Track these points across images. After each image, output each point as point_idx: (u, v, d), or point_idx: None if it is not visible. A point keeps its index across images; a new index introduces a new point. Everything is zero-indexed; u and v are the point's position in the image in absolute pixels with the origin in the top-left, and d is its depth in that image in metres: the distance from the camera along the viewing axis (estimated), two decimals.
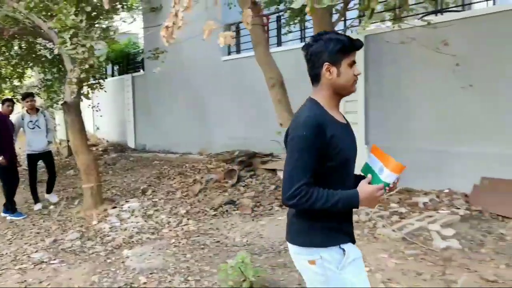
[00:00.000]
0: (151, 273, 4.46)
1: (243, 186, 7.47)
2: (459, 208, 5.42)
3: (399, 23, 5.62)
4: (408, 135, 6.60)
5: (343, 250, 2.02)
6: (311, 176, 1.94)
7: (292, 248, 2.12)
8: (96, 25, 5.37)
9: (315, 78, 2.08)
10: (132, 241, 5.69)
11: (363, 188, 1.99)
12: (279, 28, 8.81)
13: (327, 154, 1.96)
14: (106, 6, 4.12)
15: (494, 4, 6.14)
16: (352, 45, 2.03)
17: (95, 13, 5.54)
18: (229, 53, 10.12)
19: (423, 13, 6.34)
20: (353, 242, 2.12)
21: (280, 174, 7.59)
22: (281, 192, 1.97)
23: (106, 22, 5.51)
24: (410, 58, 6.26)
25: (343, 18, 6.05)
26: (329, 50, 2.00)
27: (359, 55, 6.95)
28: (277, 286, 3.83)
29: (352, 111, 7.31)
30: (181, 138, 11.47)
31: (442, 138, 6.16)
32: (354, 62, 2.05)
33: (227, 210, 6.58)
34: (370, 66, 7.01)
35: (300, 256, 2.08)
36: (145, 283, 4.29)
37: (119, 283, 4.37)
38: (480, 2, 6.02)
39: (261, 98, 8.22)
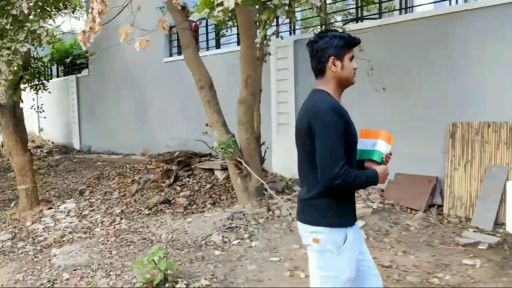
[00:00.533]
0: (74, 270, 4.59)
1: (180, 186, 7.66)
2: (373, 202, 5.84)
3: (321, 30, 5.99)
4: None
5: (346, 235, 2.17)
6: (347, 157, 2.13)
7: (301, 226, 2.28)
8: (25, 28, 5.39)
9: (321, 71, 2.28)
10: (63, 240, 5.79)
11: (377, 168, 2.26)
12: (218, 32, 9.05)
13: (345, 138, 2.15)
14: (26, 11, 4.23)
15: (406, 13, 6.62)
16: (353, 41, 2.26)
17: (24, 15, 5.57)
18: (170, 55, 10.28)
19: (346, 20, 6.75)
20: (356, 219, 2.30)
21: (217, 174, 7.83)
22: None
23: (38, 24, 5.52)
24: None
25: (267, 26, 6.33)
26: (334, 45, 2.21)
27: (290, 59, 7.32)
28: (191, 277, 4.05)
29: (284, 112, 7.68)
30: (125, 139, 11.52)
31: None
32: (353, 57, 2.27)
33: (161, 209, 6.76)
34: (300, 70, 7.36)
35: (307, 234, 2.23)
36: (67, 279, 4.42)
37: (43, 280, 4.49)
38: (394, 11, 6.46)
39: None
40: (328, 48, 2.22)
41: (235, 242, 4.83)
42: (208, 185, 7.58)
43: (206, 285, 3.90)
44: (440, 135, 5.71)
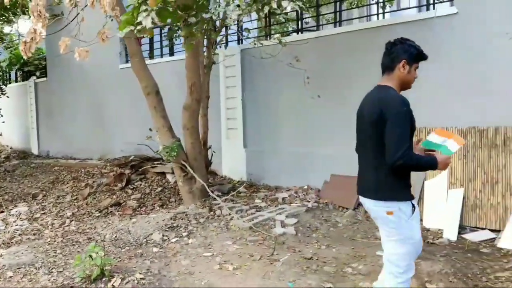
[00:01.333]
0: (18, 268, 4.79)
1: (132, 189, 7.90)
2: (309, 201, 6.26)
3: (260, 41, 6.39)
4: (278, 139, 7.41)
5: (413, 205, 2.64)
6: (410, 142, 2.56)
7: (374, 203, 2.69)
8: None
9: (389, 68, 2.74)
10: (12, 242, 5.96)
11: (439, 156, 2.63)
12: (170, 40, 9.34)
13: (411, 129, 2.59)
14: None
15: (340, 25, 7.10)
16: (423, 56, 2.73)
17: None
18: (126, 61, 10.50)
19: (287, 31, 7.18)
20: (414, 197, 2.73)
21: (169, 177, 8.11)
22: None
23: None
24: (275, 71, 7.06)
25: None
26: (410, 52, 2.68)
27: (237, 67, 7.69)
28: (127, 272, 4.33)
29: (232, 117, 8.03)
30: (83, 144, 11.66)
31: (303, 142, 7.02)
32: (417, 67, 2.73)
33: (111, 212, 6.99)
34: (246, 77, 7.76)
35: (379, 208, 2.66)
36: (11, 276, 4.63)
37: None
38: (330, 23, 6.93)
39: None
40: (404, 52, 2.69)
41: (174, 240, 5.14)
42: (159, 188, 7.85)
43: (140, 278, 4.19)
44: None
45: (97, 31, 4.70)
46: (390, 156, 2.50)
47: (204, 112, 7.09)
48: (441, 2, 5.79)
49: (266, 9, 4.39)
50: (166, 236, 5.27)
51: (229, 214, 5.78)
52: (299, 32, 7.30)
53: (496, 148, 5.06)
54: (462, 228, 5.15)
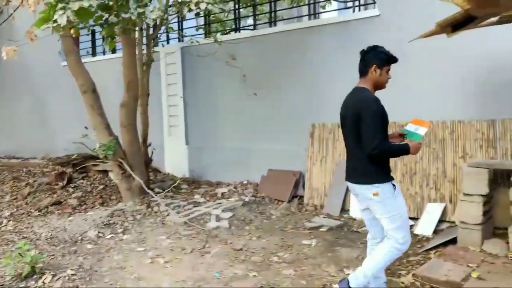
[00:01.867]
0: None
1: (73, 187, 7.85)
2: (246, 196, 6.48)
3: (197, 39, 6.53)
4: (219, 135, 7.57)
5: (394, 185, 3.03)
6: (384, 134, 2.98)
7: (360, 187, 3.08)
8: None
9: (364, 73, 3.14)
10: None
11: (411, 143, 3.07)
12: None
13: (382, 121, 2.98)
14: None
15: (276, 25, 7.34)
16: (392, 60, 3.11)
17: None
18: None
19: (225, 30, 7.35)
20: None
21: (111, 175, 8.11)
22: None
23: None
24: (215, 69, 7.21)
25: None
26: (379, 58, 3.07)
27: (178, 64, 7.78)
28: (59, 269, 4.38)
29: (174, 114, 8.13)
30: (26, 143, 11.39)
31: (242, 138, 7.23)
32: (389, 70, 3.13)
33: (51, 211, 6.93)
34: (187, 75, 7.87)
35: (367, 191, 3.03)
36: None
37: None
38: (265, 23, 7.14)
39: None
40: (375, 58, 3.08)
41: (109, 236, 5.22)
42: (101, 186, 7.84)
43: (71, 274, 4.26)
44: (303, 134, 6.45)
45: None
46: (368, 147, 2.91)
47: (144, 109, 7.14)
48: (363, 4, 6.11)
49: (186, 10, 4.53)
50: (102, 233, 5.34)
51: (166, 210, 5.89)
52: (237, 31, 7.48)
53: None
54: None
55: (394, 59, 3.14)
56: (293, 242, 4.84)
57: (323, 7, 7.53)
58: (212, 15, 7.61)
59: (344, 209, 5.83)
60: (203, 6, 4.36)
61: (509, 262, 4.00)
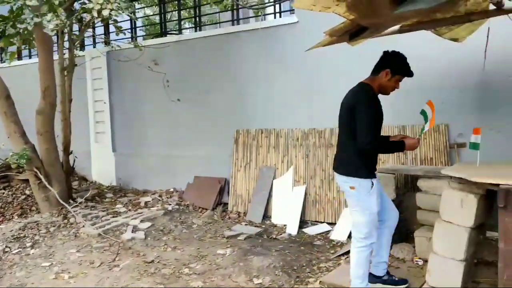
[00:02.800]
0: None
1: None
2: (170, 204, 6.33)
3: (118, 44, 6.33)
4: (145, 142, 7.38)
5: (372, 183, 3.06)
6: (377, 130, 3.07)
7: (341, 178, 3.18)
8: None
9: (375, 71, 3.16)
10: None
11: (408, 140, 3.17)
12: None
13: (377, 118, 3.07)
14: None
15: (200, 30, 7.26)
16: (407, 72, 3.14)
17: None
18: None
19: (152, 34, 7.17)
20: (376, 177, 3.16)
21: None
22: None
23: None
24: (141, 74, 7.01)
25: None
26: (395, 65, 3.11)
27: (103, 68, 7.53)
28: None
29: (100, 120, 7.86)
30: None
31: (168, 145, 7.08)
32: (400, 81, 3.17)
33: None
34: (113, 80, 7.63)
35: (344, 183, 3.14)
36: None
37: None
38: (191, 27, 7.05)
39: (24, 110, 8.26)
40: (391, 63, 3.12)
41: (15, 251, 4.93)
42: (23, 196, 7.47)
43: None
44: (228, 140, 6.38)
45: None
46: (361, 142, 2.98)
47: (65, 116, 6.83)
48: (285, 11, 6.13)
49: (88, 17, 4.37)
50: (9, 247, 5.03)
51: (84, 221, 5.65)
52: (163, 36, 7.34)
53: (331, 147, 5.48)
54: (304, 223, 5.52)
55: (409, 73, 3.16)
56: (208, 252, 4.75)
57: (256, 13, 7.50)
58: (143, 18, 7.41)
59: (266, 216, 5.80)
60: (106, 13, 4.21)
61: (415, 266, 4.07)
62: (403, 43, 3.64)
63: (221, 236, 5.25)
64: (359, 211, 3.16)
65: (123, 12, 4.49)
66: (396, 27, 4.08)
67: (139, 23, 7.76)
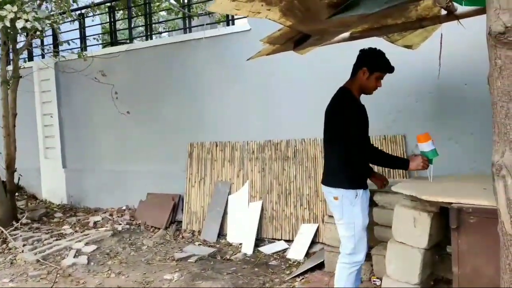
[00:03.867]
0: None
1: None
2: (121, 224, 5.95)
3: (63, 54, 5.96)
4: (97, 157, 6.98)
5: (357, 194, 2.87)
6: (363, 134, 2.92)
7: (325, 188, 3.01)
8: None
9: (354, 72, 2.97)
10: None
11: (414, 158, 2.99)
12: None
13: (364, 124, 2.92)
14: None
15: (151, 39, 6.94)
16: (386, 68, 2.94)
17: None
18: None
19: (103, 43, 6.82)
20: (366, 188, 2.98)
21: None
22: None
23: None
24: (90, 86, 6.61)
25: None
26: (372, 62, 2.91)
27: (52, 80, 7.11)
28: None
29: (49, 135, 7.42)
30: None
31: (120, 160, 6.70)
32: (381, 78, 2.96)
33: None
34: (62, 92, 7.22)
35: (330, 194, 2.96)
36: None
37: None
38: (141, 36, 6.72)
39: None
40: (367, 61, 2.93)
41: None
42: None
43: None
44: (182, 154, 6.05)
45: None
46: (350, 151, 2.84)
47: (8, 131, 6.38)
48: (237, 18, 5.88)
49: (21, 24, 4.00)
50: None
51: (23, 245, 5.22)
52: (113, 45, 6.98)
53: (288, 160, 5.23)
54: (261, 241, 5.23)
55: (389, 69, 2.97)
56: (154, 277, 4.40)
57: (218, 21, 7.22)
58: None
59: (221, 234, 5.48)
60: (20, 25, 3.86)
61: (372, 286, 3.83)
62: (351, 51, 3.40)
63: (171, 258, 4.90)
64: (343, 225, 2.97)
65: (41, 22, 4.12)
66: (346, 34, 3.87)
67: (92, 31, 7.37)
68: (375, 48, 3.02)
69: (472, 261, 2.53)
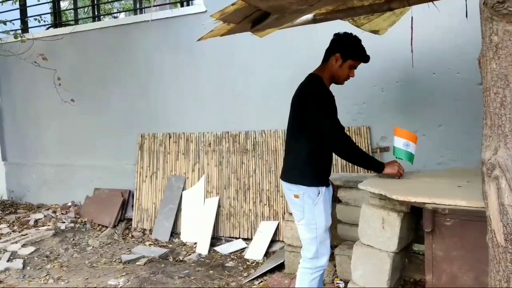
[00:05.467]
0: None
1: None
2: (64, 222, 5.45)
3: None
4: (40, 150, 6.42)
5: (319, 191, 2.61)
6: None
7: (285, 185, 2.71)
8: None
9: (326, 58, 2.68)
10: None
11: (389, 163, 2.72)
12: None
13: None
14: None
15: (99, 20, 6.39)
16: (361, 56, 2.65)
17: None
18: None
19: (45, 24, 6.23)
20: (328, 185, 2.71)
21: None
22: None
23: None
24: (32, 72, 6.02)
25: None
26: (346, 48, 2.61)
27: None
28: None
29: None
30: None
31: (65, 152, 6.17)
32: (355, 67, 2.67)
33: None
34: (1, 79, 6.59)
35: (290, 191, 2.67)
36: None
37: None
38: (88, 17, 6.15)
39: None
40: (341, 47, 2.62)
41: None
42: None
43: None
44: (132, 146, 5.60)
45: None
46: (331, 146, 2.59)
47: None
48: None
49: None
50: None
51: None
52: (56, 27, 6.38)
53: (247, 153, 4.88)
54: (217, 239, 4.88)
55: (364, 57, 2.67)
56: (97, 283, 3.96)
57: (174, 2, 6.74)
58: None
59: (175, 233, 5.09)
60: None
61: None
62: (317, 37, 3.08)
63: (118, 260, 4.47)
64: (304, 226, 2.69)
65: None
66: (309, 16, 3.54)
67: (32, 11, 6.73)
68: (351, 34, 2.70)
69: (447, 268, 2.26)
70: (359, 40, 2.68)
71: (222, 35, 3.05)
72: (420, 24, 3.29)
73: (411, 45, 3.40)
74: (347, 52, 2.63)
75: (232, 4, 2.36)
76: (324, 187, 2.68)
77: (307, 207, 2.65)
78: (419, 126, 4.03)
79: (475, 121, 3.90)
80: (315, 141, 2.61)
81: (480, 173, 2.88)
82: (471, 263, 2.20)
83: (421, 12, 3.38)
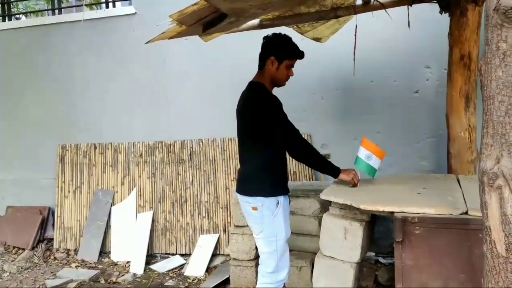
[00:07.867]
0: None
1: None
2: None
3: None
4: None
5: (278, 201, 2.49)
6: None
7: (242, 198, 2.57)
8: None
9: (261, 64, 2.57)
10: None
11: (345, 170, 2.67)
12: None
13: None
14: None
15: (10, 19, 5.77)
16: (295, 54, 2.55)
17: None
18: None
19: None
20: (286, 193, 2.58)
21: None
22: None
23: None
24: None
25: None
26: (279, 49, 2.51)
27: None
28: None
29: None
30: None
31: None
32: (292, 66, 2.57)
33: None
34: None
35: (247, 204, 2.53)
36: None
37: None
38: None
39: None
40: (274, 49, 2.51)
41: None
42: None
43: None
44: (51, 159, 5.09)
45: None
46: (289, 150, 2.54)
47: None
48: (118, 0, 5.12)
49: None
50: None
51: None
52: None
53: (183, 163, 4.64)
54: (153, 257, 4.57)
55: (298, 54, 2.56)
56: None
57: (97, 2, 6.27)
58: None
59: (104, 252, 4.69)
60: None
61: None
62: (253, 42, 2.97)
63: (43, 287, 4.00)
64: (263, 239, 2.55)
65: None
66: (255, 21, 3.47)
67: None
68: (280, 33, 2.60)
69: (418, 277, 2.25)
70: (290, 38, 2.60)
71: (171, 37, 2.83)
72: (361, 32, 3.34)
73: (354, 53, 3.44)
74: (281, 53, 2.54)
75: (194, 4, 2.18)
76: (282, 196, 2.57)
77: (266, 219, 2.52)
78: (358, 133, 4.09)
79: (410, 127, 4.06)
80: (269, 149, 2.52)
81: (434, 179, 2.97)
82: (440, 270, 2.21)
83: (365, 20, 3.44)
